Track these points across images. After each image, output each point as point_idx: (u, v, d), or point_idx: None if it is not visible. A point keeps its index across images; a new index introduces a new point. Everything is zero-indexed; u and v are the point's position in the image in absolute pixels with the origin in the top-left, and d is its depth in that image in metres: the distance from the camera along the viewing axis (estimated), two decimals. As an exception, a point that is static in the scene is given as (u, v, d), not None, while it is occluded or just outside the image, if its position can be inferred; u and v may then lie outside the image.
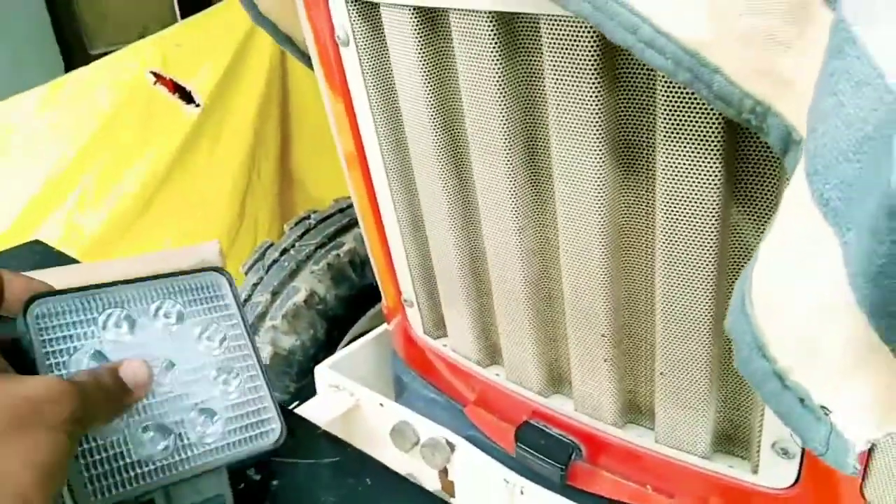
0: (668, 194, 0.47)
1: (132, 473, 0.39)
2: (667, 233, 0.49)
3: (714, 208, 0.46)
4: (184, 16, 2.44)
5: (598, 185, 0.49)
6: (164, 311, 0.43)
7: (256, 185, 1.78)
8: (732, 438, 0.59)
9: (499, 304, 0.64)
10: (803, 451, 0.54)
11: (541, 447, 0.65)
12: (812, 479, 0.55)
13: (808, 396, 0.39)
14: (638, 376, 0.60)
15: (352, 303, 1.33)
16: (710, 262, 0.48)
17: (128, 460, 0.39)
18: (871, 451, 0.52)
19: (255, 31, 1.75)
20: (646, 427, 0.62)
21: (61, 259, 0.71)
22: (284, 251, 1.34)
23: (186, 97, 1.70)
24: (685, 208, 0.47)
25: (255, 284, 1.32)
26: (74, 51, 2.49)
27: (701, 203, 0.46)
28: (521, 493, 0.68)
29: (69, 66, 2.38)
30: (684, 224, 0.48)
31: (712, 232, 0.47)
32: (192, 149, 1.66)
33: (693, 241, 0.48)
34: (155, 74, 1.69)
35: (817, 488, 0.55)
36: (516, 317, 0.63)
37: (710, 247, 0.48)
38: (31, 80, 1.69)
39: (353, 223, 1.34)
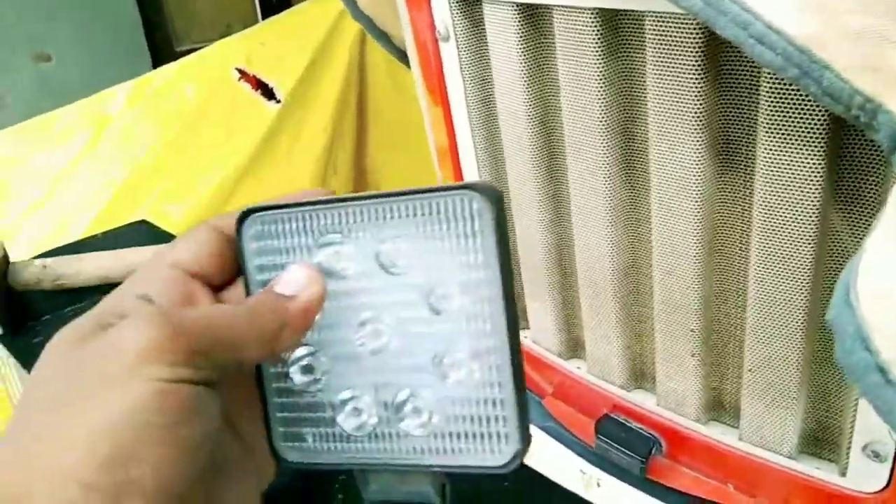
0: (767, 191, 0.47)
1: (331, 440, 0.33)
2: (764, 230, 0.49)
3: (814, 207, 0.46)
4: (265, 15, 2.52)
5: (697, 182, 0.50)
6: (390, 251, 0.31)
7: (332, 180, 1.83)
8: (820, 440, 0.59)
9: (585, 297, 0.65)
10: None
11: (621, 439, 0.66)
12: (903, 484, 0.54)
13: (910, 393, 0.39)
14: (724, 373, 0.60)
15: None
16: (806, 261, 0.49)
17: (329, 429, 0.33)
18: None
19: (335, 30, 1.80)
20: (729, 425, 0.63)
21: (168, 238, 0.75)
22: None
23: (268, 93, 1.77)
24: (784, 206, 0.47)
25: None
26: (162, 48, 2.60)
27: (801, 201, 0.46)
28: (598, 485, 0.69)
29: (156, 62, 2.49)
30: (782, 222, 0.48)
31: (810, 231, 0.47)
32: (273, 144, 1.71)
33: (790, 238, 0.48)
34: (240, 71, 1.76)
35: (908, 493, 0.54)
36: (602, 311, 0.64)
37: (808, 245, 0.48)
38: (120, 75, 1.78)
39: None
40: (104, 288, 0.64)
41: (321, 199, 0.31)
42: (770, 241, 0.49)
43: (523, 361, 0.29)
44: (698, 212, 0.51)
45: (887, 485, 0.55)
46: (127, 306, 0.30)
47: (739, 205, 0.52)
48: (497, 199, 0.28)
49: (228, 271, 0.34)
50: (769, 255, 0.50)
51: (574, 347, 0.73)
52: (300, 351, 0.33)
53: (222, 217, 0.34)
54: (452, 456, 0.31)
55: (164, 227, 1.67)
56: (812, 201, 0.46)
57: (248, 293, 0.33)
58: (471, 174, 0.71)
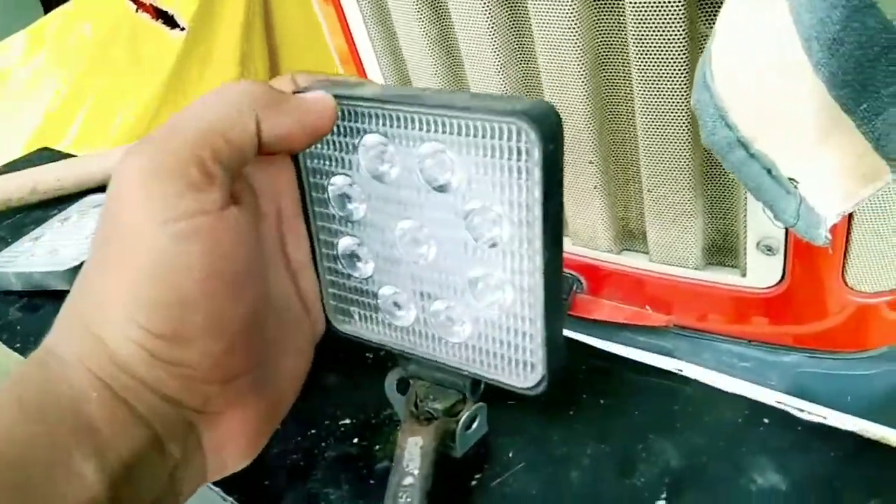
0: (637, 19, 0.49)
1: (375, 323, 0.35)
2: (639, 53, 0.51)
3: (681, 24, 0.48)
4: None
5: (572, 12, 0.51)
6: (432, 166, 0.29)
7: (250, 104, 1.79)
8: (722, 249, 0.63)
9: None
10: (786, 248, 0.57)
11: (544, 283, 0.69)
12: (796, 275, 0.58)
13: (774, 167, 0.42)
14: (628, 201, 0.63)
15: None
16: (682, 77, 0.51)
17: (373, 313, 0.34)
18: (848, 238, 0.55)
19: (228, -53, 1.73)
20: (639, 251, 0.66)
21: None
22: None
23: (170, 21, 1.70)
24: (654, 28, 0.49)
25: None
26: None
27: (668, 23, 0.48)
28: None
29: (47, 7, 2.36)
30: (654, 40, 0.50)
31: (681, 47, 0.49)
32: (184, 73, 1.66)
33: (665, 58, 0.50)
34: (135, 2, 1.69)
35: (802, 282, 0.59)
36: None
37: (681, 61, 0.50)
38: (11, 25, 1.70)
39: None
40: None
41: (367, 94, 0.30)
42: (646, 62, 0.51)
43: (560, 297, 0.29)
44: (577, 40, 0.53)
45: (782, 278, 0.59)
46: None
47: (616, 33, 0.54)
48: (551, 133, 0.26)
49: None
50: (647, 76, 0.52)
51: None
52: (347, 240, 0.34)
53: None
54: (483, 368, 0.32)
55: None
56: (679, 20, 0.48)
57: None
58: (374, 77, 0.71)
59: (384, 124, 0.30)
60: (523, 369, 0.30)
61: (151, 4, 1.69)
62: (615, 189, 0.63)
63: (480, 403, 0.33)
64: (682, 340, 0.68)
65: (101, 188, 0.65)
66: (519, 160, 0.27)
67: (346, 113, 0.31)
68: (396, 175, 0.31)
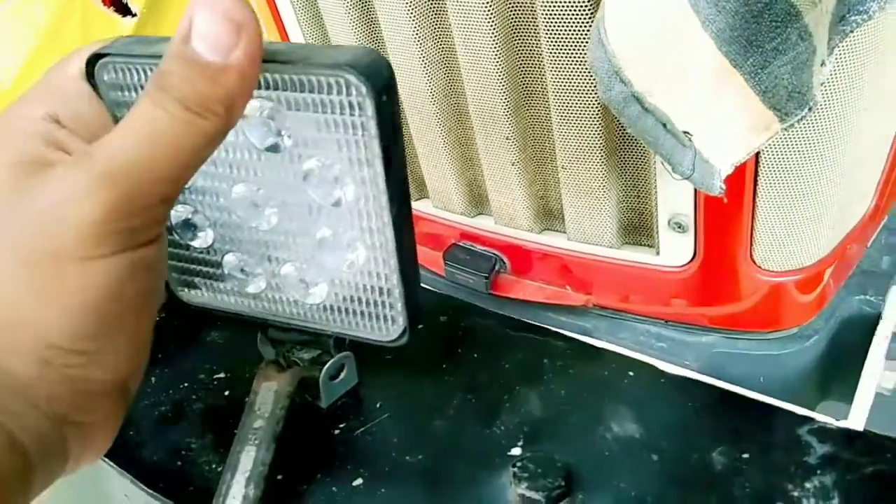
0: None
1: (224, 293, 0.33)
2: (547, 25, 0.51)
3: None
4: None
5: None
6: (259, 123, 0.28)
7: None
8: (637, 227, 0.63)
9: (413, 125, 0.67)
10: (696, 225, 0.58)
11: (466, 262, 0.69)
12: (707, 253, 0.59)
13: (669, 121, 0.43)
14: (547, 179, 0.64)
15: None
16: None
17: (220, 283, 0.33)
18: (754, 215, 0.56)
19: (185, -65, 1.72)
20: (560, 231, 0.66)
21: None
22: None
23: (123, 9, 1.68)
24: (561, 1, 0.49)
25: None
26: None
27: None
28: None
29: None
30: (562, 13, 0.50)
31: (587, 14, 0.50)
32: (135, 60, 1.64)
33: (571, 27, 0.51)
34: (88, -13, 1.66)
35: (713, 260, 0.59)
36: (430, 136, 0.66)
37: (588, 30, 0.50)
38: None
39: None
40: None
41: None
42: (555, 37, 0.51)
43: (413, 248, 0.29)
44: (490, 17, 0.53)
45: (694, 256, 0.60)
46: (59, 137, 0.27)
47: (527, 9, 0.54)
48: (382, 83, 0.25)
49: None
50: (557, 50, 0.52)
51: (420, 188, 0.75)
52: (179, 209, 0.32)
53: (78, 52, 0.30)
54: (344, 326, 0.31)
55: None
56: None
57: None
58: (294, 35, 0.70)
59: None
60: (384, 323, 0.30)
61: (104, -9, 1.66)
62: (534, 166, 0.63)
63: (346, 353, 0.33)
64: (601, 320, 0.68)
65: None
66: (352, 115, 0.25)
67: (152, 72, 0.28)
68: (226, 146, 0.29)
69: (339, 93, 0.25)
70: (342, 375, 0.33)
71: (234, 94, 0.24)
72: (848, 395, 0.61)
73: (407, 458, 0.30)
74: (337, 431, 0.32)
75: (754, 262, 0.59)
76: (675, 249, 0.60)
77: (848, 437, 0.30)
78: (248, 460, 0.28)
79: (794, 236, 0.57)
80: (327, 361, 0.33)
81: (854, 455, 0.28)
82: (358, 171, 0.27)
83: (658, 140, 0.42)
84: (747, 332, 0.64)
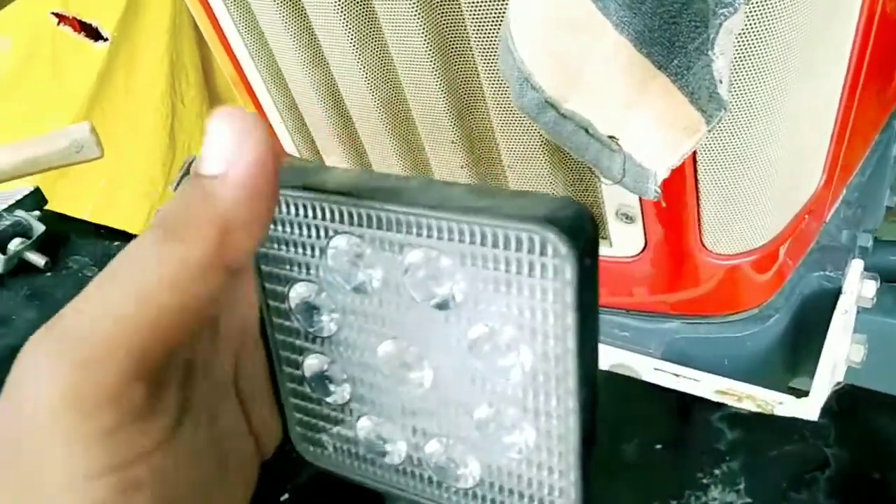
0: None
1: (353, 458, 0.28)
2: (478, 36, 0.51)
3: None
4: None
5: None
6: (425, 276, 0.23)
7: (182, 112, 1.78)
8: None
9: (366, 139, 0.67)
10: (643, 215, 0.58)
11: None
12: (657, 241, 0.60)
13: (591, 126, 0.43)
14: (497, 179, 0.64)
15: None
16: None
17: (350, 447, 0.28)
18: (699, 201, 0.56)
19: (149, -44, 1.72)
20: (516, 229, 0.67)
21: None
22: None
23: (94, 34, 1.69)
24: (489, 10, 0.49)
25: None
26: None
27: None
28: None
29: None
30: (490, 21, 0.50)
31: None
32: (106, 83, 1.65)
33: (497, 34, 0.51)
34: (57, 15, 1.67)
35: (664, 248, 0.60)
36: (382, 147, 0.66)
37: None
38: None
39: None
40: None
41: (335, 184, 0.24)
42: (486, 44, 0.51)
43: (593, 440, 0.23)
44: (422, 30, 0.53)
45: (645, 245, 0.60)
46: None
47: (457, 18, 0.54)
48: (587, 243, 0.20)
49: None
50: (489, 58, 0.52)
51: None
52: (315, 358, 0.27)
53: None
54: None
55: (12, 190, 1.62)
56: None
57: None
58: (264, 100, 0.72)
59: (359, 224, 0.23)
60: None
61: (75, 17, 1.67)
62: (483, 168, 0.63)
63: None
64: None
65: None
66: (544, 278, 0.21)
67: (309, 208, 0.24)
68: (377, 285, 0.24)
69: (530, 251, 0.21)
70: None
71: (230, 213, 0.20)
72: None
73: None
74: None
75: (705, 247, 0.59)
76: (626, 240, 0.60)
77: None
78: None
79: (740, 217, 0.57)
80: None
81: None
82: (541, 345, 0.22)
83: (581, 146, 0.43)
84: (708, 316, 0.65)
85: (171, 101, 1.75)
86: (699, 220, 0.57)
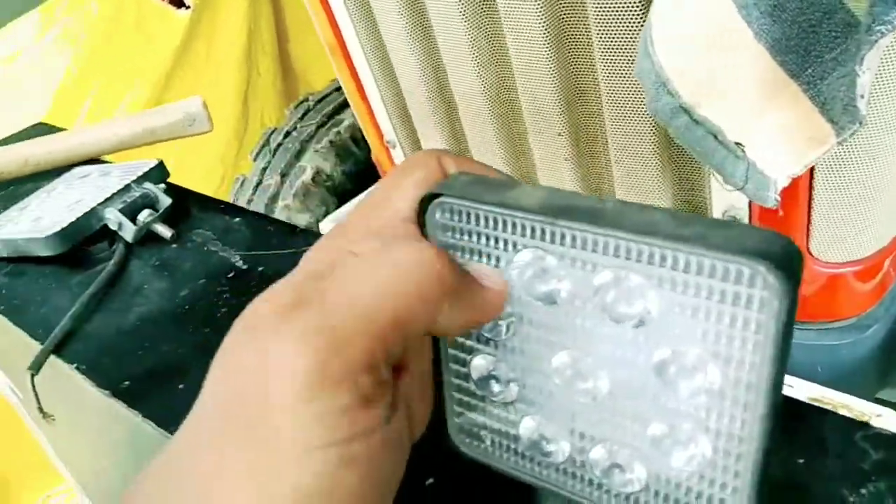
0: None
1: (511, 453, 0.29)
2: (598, 23, 0.51)
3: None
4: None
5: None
6: (616, 294, 0.24)
7: (257, 82, 1.80)
8: (691, 220, 0.63)
9: (467, 123, 0.68)
10: (750, 218, 0.58)
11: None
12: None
13: (720, 133, 0.43)
14: (600, 173, 0.64)
15: (359, 176, 1.38)
16: (637, 44, 0.51)
17: (510, 443, 0.29)
18: (810, 210, 0.55)
19: (234, -74, 1.74)
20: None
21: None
22: (287, 133, 1.39)
23: (177, 2, 1.72)
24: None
25: (264, 168, 1.38)
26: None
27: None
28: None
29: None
30: (611, 10, 0.50)
31: (637, 12, 0.50)
32: (189, 51, 1.68)
33: (621, 25, 0.51)
34: (141, -19, 1.70)
35: (769, 253, 0.59)
36: (484, 133, 0.67)
37: (637, 28, 0.50)
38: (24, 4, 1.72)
39: (348, 99, 1.37)
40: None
41: (528, 203, 0.24)
42: (606, 35, 0.51)
43: (769, 463, 0.23)
44: (541, 18, 0.53)
45: (749, 248, 0.60)
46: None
47: (577, 9, 0.54)
48: (796, 278, 0.20)
49: None
50: (608, 48, 0.52)
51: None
52: (481, 360, 0.28)
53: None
54: None
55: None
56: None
57: None
58: (363, 71, 0.72)
59: (551, 241, 0.24)
60: None
61: (158, -17, 1.70)
62: (587, 161, 0.63)
63: None
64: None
65: (89, 161, 0.67)
66: (748, 308, 0.21)
67: (498, 221, 0.25)
68: (562, 299, 0.25)
69: (737, 282, 0.21)
70: None
71: None
72: (909, 384, 0.60)
73: None
74: None
75: (811, 254, 0.59)
76: (731, 242, 0.60)
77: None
78: None
79: (849, 230, 0.56)
80: None
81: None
82: (734, 370, 0.22)
83: (708, 151, 0.43)
84: (806, 322, 0.64)
85: (248, 71, 1.77)
86: (808, 227, 0.56)
